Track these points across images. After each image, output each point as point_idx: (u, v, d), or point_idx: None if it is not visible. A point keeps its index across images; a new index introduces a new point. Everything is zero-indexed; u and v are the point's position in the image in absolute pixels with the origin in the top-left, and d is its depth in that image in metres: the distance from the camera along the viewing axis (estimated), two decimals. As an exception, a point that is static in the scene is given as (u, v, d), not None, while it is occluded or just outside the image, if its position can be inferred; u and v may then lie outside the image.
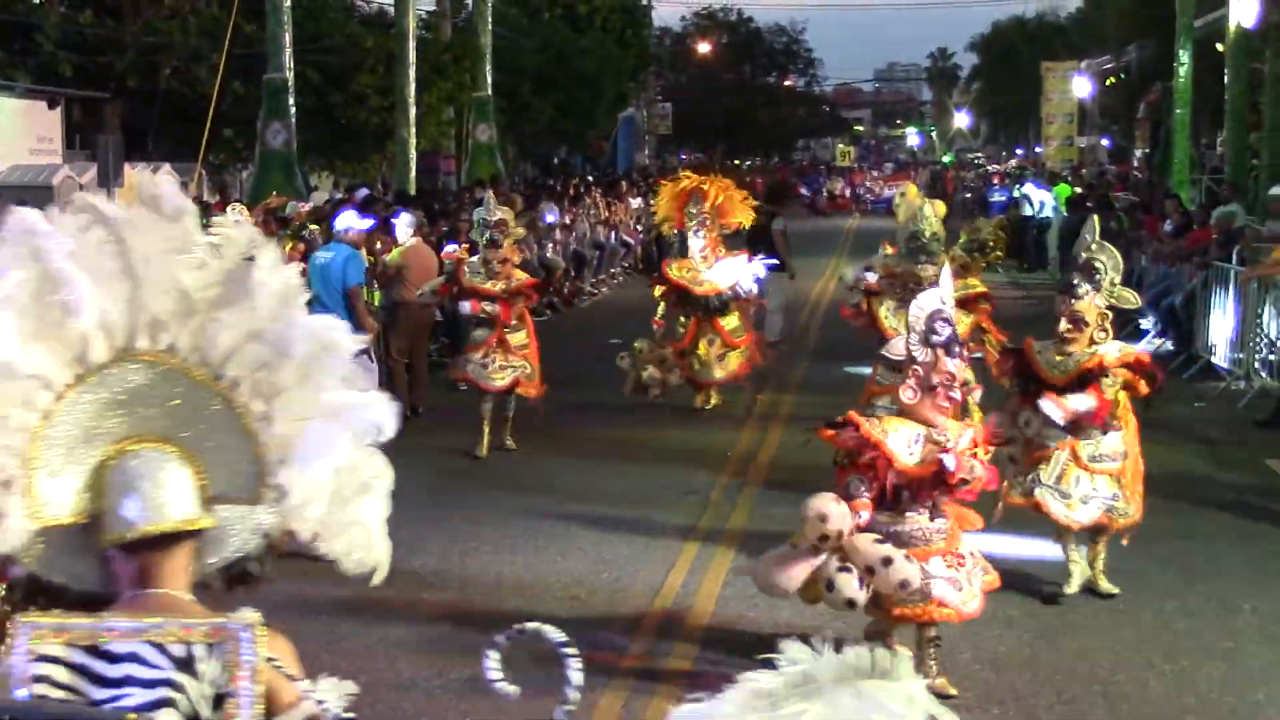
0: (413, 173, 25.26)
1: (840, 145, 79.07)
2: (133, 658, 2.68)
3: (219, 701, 2.69)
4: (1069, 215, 22.43)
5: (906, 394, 5.95)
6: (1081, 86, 43.32)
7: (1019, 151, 64.21)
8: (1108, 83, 41.79)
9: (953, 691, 6.10)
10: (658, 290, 12.73)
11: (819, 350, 16.27)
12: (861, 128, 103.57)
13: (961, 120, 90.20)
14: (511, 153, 36.12)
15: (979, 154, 78.69)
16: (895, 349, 6.24)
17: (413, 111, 25.10)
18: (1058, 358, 7.29)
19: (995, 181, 37.51)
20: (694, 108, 61.39)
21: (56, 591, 2.80)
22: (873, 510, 5.93)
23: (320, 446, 2.88)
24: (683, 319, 12.47)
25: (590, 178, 32.35)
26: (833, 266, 22.83)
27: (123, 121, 23.56)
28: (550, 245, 20.83)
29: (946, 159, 73.48)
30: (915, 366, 5.95)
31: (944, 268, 7.47)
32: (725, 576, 7.80)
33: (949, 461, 5.81)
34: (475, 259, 10.95)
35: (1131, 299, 7.67)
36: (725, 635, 6.90)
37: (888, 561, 5.77)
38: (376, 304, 12.09)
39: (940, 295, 6.08)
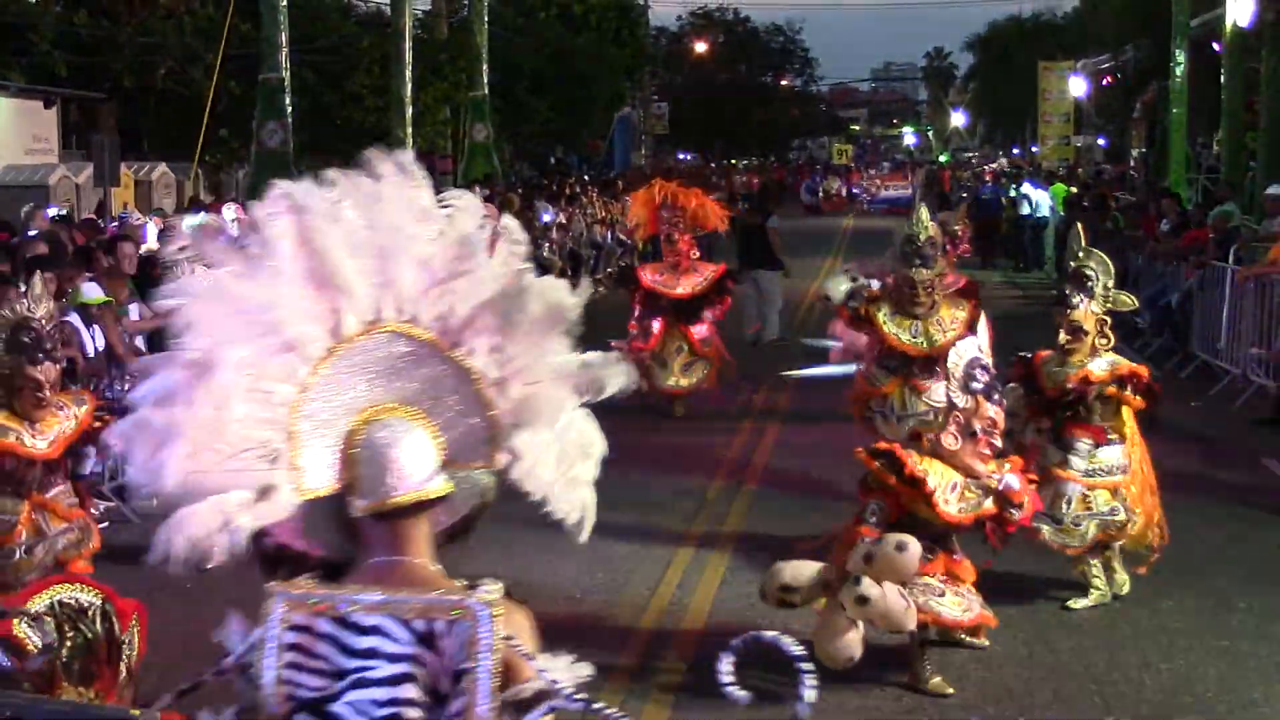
0: (409, 173, 25.24)
1: (837, 144, 79.03)
2: (377, 631, 2.72)
3: (457, 677, 2.71)
4: (1066, 215, 22.43)
5: (948, 440, 6.01)
6: (1078, 86, 43.31)
7: (1015, 151, 64.17)
8: (1104, 82, 41.79)
9: (949, 690, 6.11)
10: (634, 297, 12.67)
11: (814, 350, 16.23)
12: (858, 127, 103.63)
13: (958, 120, 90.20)
14: (508, 152, 36.14)
15: (974, 154, 78.66)
16: (936, 396, 6.39)
17: (409, 111, 25.11)
18: (1055, 368, 7.31)
19: (987, 180, 37.54)
20: (690, 107, 61.40)
21: (298, 560, 2.84)
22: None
23: (551, 410, 2.97)
24: (653, 323, 12.37)
25: (586, 177, 32.37)
26: (829, 266, 22.84)
27: (119, 121, 23.58)
28: (546, 245, 20.83)
29: (943, 158, 73.42)
30: (956, 413, 6.02)
31: (981, 316, 7.55)
32: (721, 578, 7.80)
33: (1013, 480, 5.98)
34: None
35: (1128, 301, 7.65)
36: (721, 637, 6.83)
37: (878, 539, 5.84)
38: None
39: (978, 343, 6.16)
